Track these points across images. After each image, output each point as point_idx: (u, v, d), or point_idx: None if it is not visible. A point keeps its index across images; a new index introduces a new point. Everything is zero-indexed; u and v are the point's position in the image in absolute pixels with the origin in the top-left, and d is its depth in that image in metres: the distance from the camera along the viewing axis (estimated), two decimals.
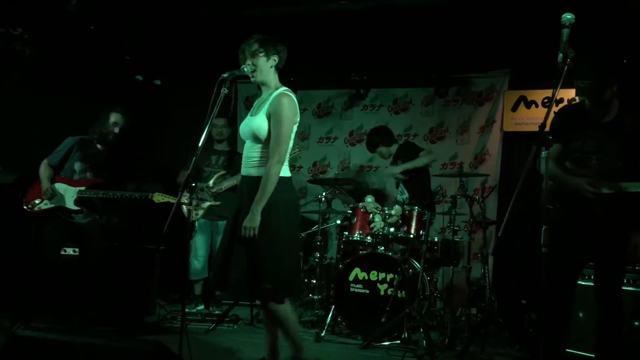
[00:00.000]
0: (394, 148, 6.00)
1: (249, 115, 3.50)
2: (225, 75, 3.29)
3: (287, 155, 3.37)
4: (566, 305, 3.59)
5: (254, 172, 3.36)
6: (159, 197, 4.78)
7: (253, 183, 3.30)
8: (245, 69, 3.37)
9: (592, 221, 3.44)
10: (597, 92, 3.46)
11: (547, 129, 2.92)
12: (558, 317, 3.52)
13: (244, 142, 3.50)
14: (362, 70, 6.92)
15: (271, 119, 3.29)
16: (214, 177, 5.66)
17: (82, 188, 4.79)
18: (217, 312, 5.64)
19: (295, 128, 3.38)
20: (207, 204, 5.59)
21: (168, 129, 7.57)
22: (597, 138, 3.51)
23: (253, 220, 3.19)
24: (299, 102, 3.48)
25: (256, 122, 3.34)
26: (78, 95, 6.58)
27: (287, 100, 3.31)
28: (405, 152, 5.86)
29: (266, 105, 3.35)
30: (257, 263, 3.24)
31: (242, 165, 3.47)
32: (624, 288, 4.23)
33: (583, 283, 4.36)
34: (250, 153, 3.40)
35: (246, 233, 3.19)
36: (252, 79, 3.42)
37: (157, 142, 7.65)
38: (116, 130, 4.98)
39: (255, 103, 3.55)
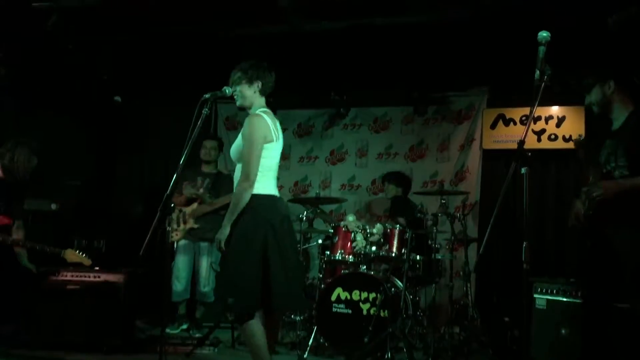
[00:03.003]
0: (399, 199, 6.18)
1: None
2: (207, 95, 3.35)
3: (270, 173, 3.45)
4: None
5: None
6: (71, 256, 4.64)
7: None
8: (227, 91, 3.46)
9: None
10: (589, 88, 3.53)
11: None
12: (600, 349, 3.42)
13: (227, 164, 3.59)
14: (341, 89, 6.94)
15: (242, 139, 3.41)
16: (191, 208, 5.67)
17: None
18: (197, 335, 5.55)
19: (275, 146, 3.47)
20: (187, 226, 5.55)
21: (148, 149, 7.51)
22: (609, 147, 3.51)
23: (221, 233, 3.31)
24: (280, 122, 3.54)
25: (234, 144, 3.49)
26: (55, 115, 6.52)
27: (255, 120, 3.40)
28: (401, 208, 6.02)
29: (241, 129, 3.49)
30: (223, 276, 3.36)
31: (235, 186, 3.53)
32: (554, 298, 4.27)
33: (565, 299, 4.39)
34: (238, 173, 3.48)
35: (216, 245, 3.33)
36: (238, 103, 3.56)
37: (137, 162, 7.58)
38: (33, 165, 4.69)
39: None
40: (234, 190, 3.38)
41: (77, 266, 5.06)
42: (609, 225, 3.37)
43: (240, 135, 3.47)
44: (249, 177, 3.31)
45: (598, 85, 3.54)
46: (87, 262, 4.71)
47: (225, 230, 3.30)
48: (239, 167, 3.48)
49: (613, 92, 3.51)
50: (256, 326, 3.31)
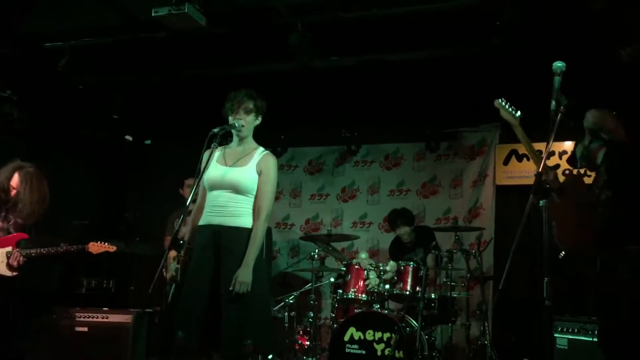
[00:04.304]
0: (414, 234, 5.92)
1: (218, 164, 3.39)
2: (216, 130, 3.28)
3: None
4: None
5: (233, 221, 3.30)
6: (95, 247, 4.53)
7: (236, 233, 3.27)
8: (237, 124, 3.37)
9: None
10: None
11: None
12: None
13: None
14: (352, 126, 6.92)
15: (262, 177, 3.35)
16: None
17: (9, 249, 4.37)
18: None
19: None
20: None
21: (157, 188, 7.49)
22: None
23: (249, 276, 3.16)
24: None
25: (243, 174, 3.33)
26: (65, 155, 6.53)
27: (274, 161, 3.44)
28: (423, 238, 5.81)
29: (254, 161, 3.37)
30: (244, 318, 3.16)
31: (212, 214, 3.34)
32: (575, 337, 4.10)
33: (587, 339, 4.22)
34: (226, 202, 3.32)
35: (242, 289, 3.13)
36: (237, 133, 3.41)
37: (146, 201, 7.55)
38: (12, 194, 4.45)
39: (221, 153, 3.43)
40: (256, 227, 3.27)
41: (86, 307, 5.01)
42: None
43: (244, 167, 3.34)
44: (268, 216, 3.34)
45: (579, 143, 3.57)
46: (112, 247, 4.63)
47: (250, 271, 3.17)
48: (221, 194, 3.32)
49: (590, 142, 3.54)
50: None
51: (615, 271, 3.15)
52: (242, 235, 3.26)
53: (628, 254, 3.10)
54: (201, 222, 3.38)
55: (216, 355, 3.23)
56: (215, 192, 3.35)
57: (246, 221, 3.30)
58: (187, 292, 3.24)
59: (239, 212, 3.31)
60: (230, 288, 3.13)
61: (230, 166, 3.37)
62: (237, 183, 3.31)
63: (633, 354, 3.08)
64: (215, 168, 3.37)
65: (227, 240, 3.26)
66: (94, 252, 4.55)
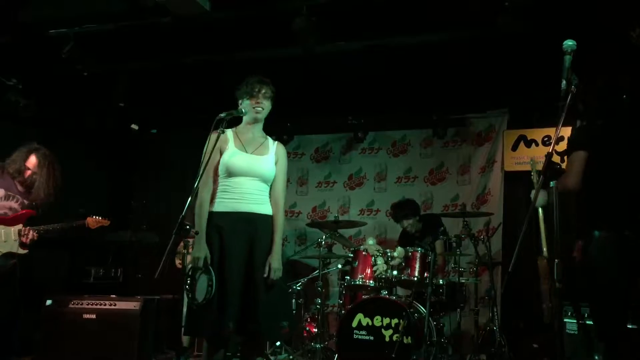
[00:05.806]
0: (420, 224, 5.86)
1: (238, 150, 3.42)
2: (222, 115, 3.29)
3: None
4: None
5: (261, 209, 3.42)
6: (92, 223, 4.71)
7: (264, 221, 3.40)
8: (243, 110, 3.43)
9: None
10: None
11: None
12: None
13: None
14: (359, 113, 6.88)
15: (278, 166, 3.50)
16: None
17: (20, 226, 4.47)
18: None
19: None
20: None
21: (165, 176, 7.49)
22: None
23: (280, 262, 3.34)
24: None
25: (269, 164, 3.46)
26: (71, 143, 6.52)
27: (285, 150, 3.63)
28: (430, 226, 5.76)
29: (271, 150, 3.50)
30: (278, 302, 3.38)
31: (239, 200, 3.37)
32: (586, 322, 4.06)
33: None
34: (256, 191, 3.42)
35: (276, 275, 3.28)
36: (255, 118, 3.45)
37: (153, 189, 7.55)
38: (27, 175, 4.56)
39: (234, 138, 3.45)
40: (282, 215, 3.46)
41: (94, 295, 5.01)
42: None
43: (266, 156, 3.45)
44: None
45: None
46: (106, 222, 4.82)
47: (280, 258, 3.36)
48: (248, 182, 3.37)
49: None
50: None
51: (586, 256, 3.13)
52: (268, 222, 3.40)
53: (592, 238, 3.08)
54: (222, 209, 3.37)
55: (233, 337, 3.30)
56: (238, 179, 3.38)
57: (269, 209, 3.44)
58: (229, 282, 3.24)
59: (264, 200, 3.43)
60: (265, 275, 3.26)
61: (252, 154, 3.43)
62: (265, 172, 3.43)
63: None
64: (236, 154, 3.39)
65: (259, 228, 3.36)
66: (92, 227, 4.72)
